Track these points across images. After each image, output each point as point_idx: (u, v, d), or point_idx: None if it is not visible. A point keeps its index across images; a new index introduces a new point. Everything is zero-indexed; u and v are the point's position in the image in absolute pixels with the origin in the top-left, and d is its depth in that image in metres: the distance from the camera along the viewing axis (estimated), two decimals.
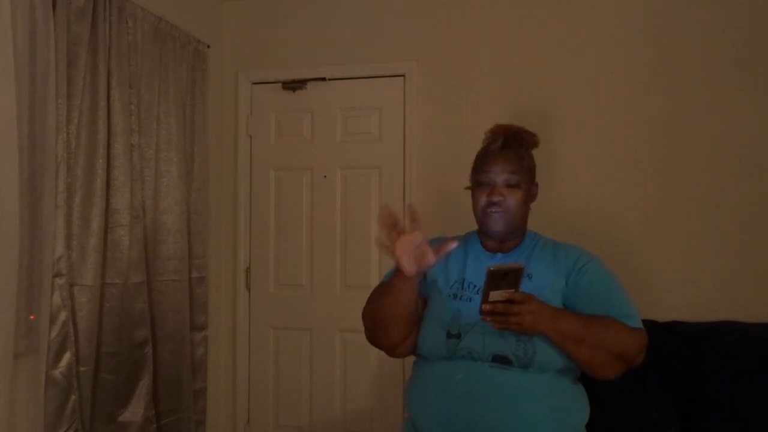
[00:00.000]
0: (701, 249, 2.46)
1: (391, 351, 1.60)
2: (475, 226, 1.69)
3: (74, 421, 1.93)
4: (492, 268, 1.30)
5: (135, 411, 2.19)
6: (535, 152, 2.56)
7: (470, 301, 1.51)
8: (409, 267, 1.35)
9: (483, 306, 1.34)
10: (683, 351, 2.24)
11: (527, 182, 1.58)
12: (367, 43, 2.83)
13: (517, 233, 1.62)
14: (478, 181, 1.58)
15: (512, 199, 1.54)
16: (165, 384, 2.37)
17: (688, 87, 2.50)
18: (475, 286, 1.53)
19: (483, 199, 1.55)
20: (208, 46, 2.75)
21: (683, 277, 2.47)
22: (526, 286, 1.46)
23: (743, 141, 2.44)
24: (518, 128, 1.64)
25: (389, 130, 2.82)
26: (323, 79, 2.87)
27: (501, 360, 1.43)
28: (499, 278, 1.31)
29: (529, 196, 1.61)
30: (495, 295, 1.33)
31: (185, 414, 2.47)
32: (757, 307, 2.37)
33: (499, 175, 1.54)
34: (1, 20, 1.66)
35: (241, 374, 2.95)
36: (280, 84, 2.93)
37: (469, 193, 1.64)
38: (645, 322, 2.32)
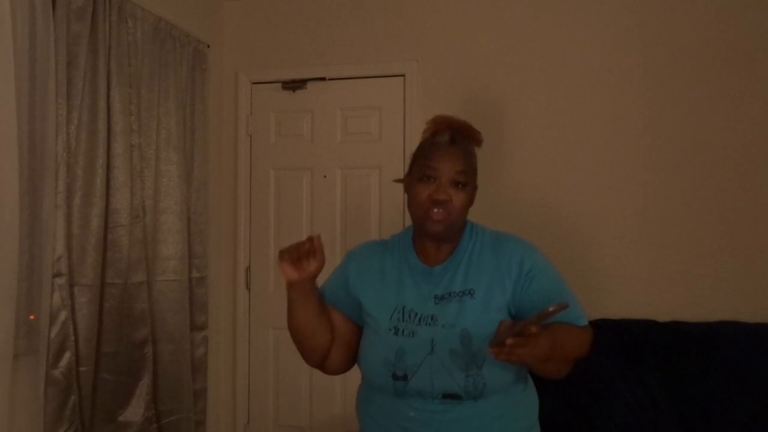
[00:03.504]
0: (701, 249, 2.47)
1: (322, 369, 1.55)
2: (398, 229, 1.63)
3: (74, 421, 1.93)
4: (542, 313, 1.16)
5: (135, 411, 2.19)
6: (534, 152, 2.59)
7: (413, 335, 1.39)
8: (290, 272, 1.37)
9: (507, 340, 1.18)
10: (683, 351, 2.24)
11: (472, 184, 1.45)
12: (367, 43, 2.83)
13: (455, 236, 1.48)
14: (422, 175, 1.41)
15: (457, 201, 1.39)
16: (165, 384, 2.37)
17: (688, 87, 2.50)
18: (416, 314, 1.41)
19: (425, 195, 1.39)
20: (208, 46, 2.75)
21: (683, 277, 2.47)
22: (469, 303, 1.38)
23: (743, 141, 2.45)
24: (465, 123, 1.49)
25: (389, 130, 2.82)
26: (323, 79, 2.87)
27: (451, 396, 1.35)
28: (540, 319, 1.18)
29: (472, 195, 1.47)
30: (515, 330, 1.20)
31: (185, 414, 2.46)
32: (757, 307, 2.37)
33: (447, 171, 1.39)
34: (1, 20, 1.66)
35: (241, 374, 2.95)
36: (280, 84, 2.93)
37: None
38: (645, 322, 2.36)
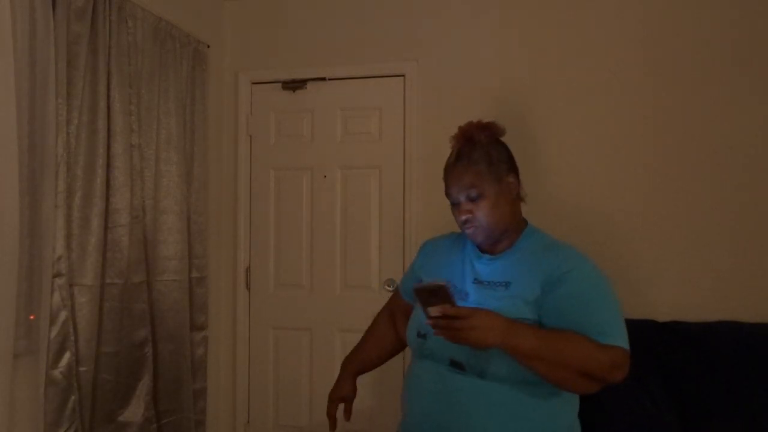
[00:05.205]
0: (701, 249, 2.47)
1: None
2: None
3: (74, 421, 1.93)
4: (416, 287, 1.32)
5: (135, 411, 2.19)
6: (535, 152, 2.59)
7: None
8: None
9: (426, 321, 1.35)
10: (683, 351, 2.24)
11: (493, 184, 1.49)
12: (367, 43, 2.83)
13: (507, 233, 1.53)
14: (449, 200, 1.57)
15: (481, 212, 1.47)
16: (165, 384, 2.37)
17: (691, 86, 2.50)
18: (455, 286, 1.50)
19: (456, 216, 1.54)
20: (208, 46, 2.75)
21: (683, 277, 2.47)
22: (500, 292, 1.44)
23: (744, 141, 2.45)
24: (472, 127, 1.54)
25: (389, 130, 2.82)
26: (323, 79, 2.87)
27: (457, 365, 1.43)
28: (428, 295, 1.31)
29: (503, 193, 1.50)
30: (434, 310, 1.32)
31: (185, 414, 2.46)
32: (757, 307, 2.37)
33: (459, 193, 1.50)
34: (1, 20, 1.66)
35: (241, 374, 2.95)
36: (280, 84, 2.93)
37: None
38: (645, 322, 2.36)
